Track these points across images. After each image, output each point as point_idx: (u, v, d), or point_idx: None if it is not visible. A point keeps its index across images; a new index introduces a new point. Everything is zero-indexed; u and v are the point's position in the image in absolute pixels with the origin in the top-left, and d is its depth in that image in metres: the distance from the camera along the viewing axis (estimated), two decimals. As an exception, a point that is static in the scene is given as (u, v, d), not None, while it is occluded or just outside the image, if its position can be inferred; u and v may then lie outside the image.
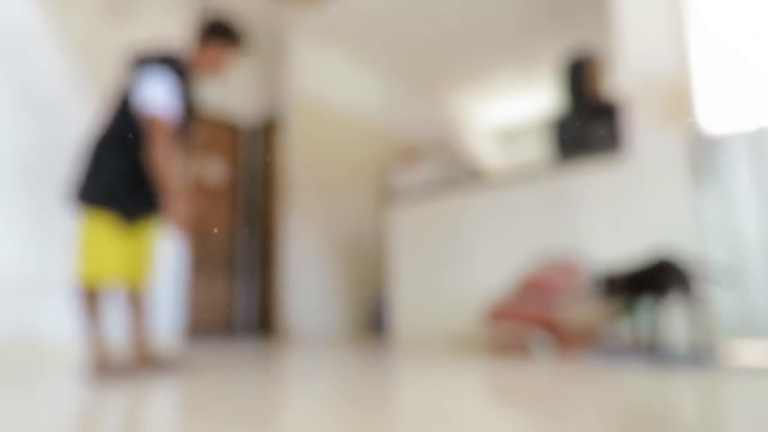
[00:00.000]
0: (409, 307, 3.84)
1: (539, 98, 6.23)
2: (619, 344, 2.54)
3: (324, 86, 4.99)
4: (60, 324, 3.07)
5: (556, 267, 2.90)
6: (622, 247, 2.88)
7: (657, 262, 2.43)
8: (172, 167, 2.17)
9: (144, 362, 2.36)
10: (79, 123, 2.95)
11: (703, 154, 2.75)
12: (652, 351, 2.32)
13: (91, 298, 2.19)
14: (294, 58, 4.78)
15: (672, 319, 2.36)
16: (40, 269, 3.04)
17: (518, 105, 6.75)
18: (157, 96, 2.17)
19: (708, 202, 2.72)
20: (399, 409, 1.56)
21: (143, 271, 2.41)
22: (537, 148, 6.18)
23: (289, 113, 4.72)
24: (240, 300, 5.09)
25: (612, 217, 2.94)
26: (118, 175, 2.20)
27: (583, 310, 2.60)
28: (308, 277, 4.58)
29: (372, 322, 4.97)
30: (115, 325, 2.40)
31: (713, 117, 2.81)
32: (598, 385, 1.80)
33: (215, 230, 5.01)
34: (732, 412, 1.42)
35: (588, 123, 3.31)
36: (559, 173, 3.19)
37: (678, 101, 2.81)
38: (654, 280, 2.39)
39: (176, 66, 2.28)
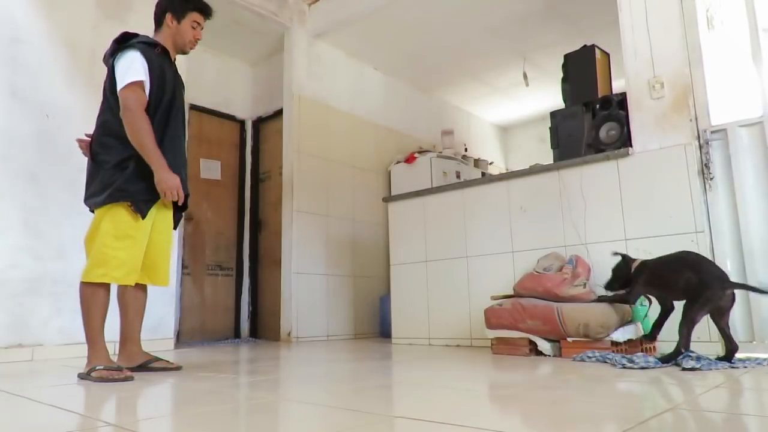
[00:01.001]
0: (409, 307, 3.83)
1: (543, 95, 6.23)
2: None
3: (324, 82, 4.99)
4: (57, 324, 3.07)
5: (559, 264, 2.89)
6: (624, 246, 2.87)
7: (683, 261, 2.27)
8: (148, 136, 2.16)
9: (141, 361, 2.35)
10: (77, 123, 2.95)
11: (709, 150, 2.73)
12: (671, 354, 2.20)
13: (93, 296, 2.18)
14: (295, 54, 4.76)
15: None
16: (36, 270, 3.03)
17: (522, 102, 6.74)
18: (123, 68, 2.21)
19: (714, 198, 2.71)
20: (398, 413, 1.55)
21: (160, 266, 2.40)
22: (541, 146, 6.17)
23: (289, 110, 4.71)
24: (240, 300, 5.09)
25: (617, 215, 2.93)
26: (117, 167, 2.19)
27: (586, 310, 2.58)
28: (308, 276, 4.57)
29: (374, 322, 4.96)
30: (114, 325, 2.40)
31: (719, 112, 2.79)
32: (598, 386, 1.79)
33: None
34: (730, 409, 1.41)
35: (593, 120, 3.29)
36: (563, 170, 3.17)
37: (684, 97, 2.80)
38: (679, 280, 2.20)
39: (149, 44, 2.30)
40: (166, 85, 2.29)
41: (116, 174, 2.18)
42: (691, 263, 2.23)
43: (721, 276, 2.16)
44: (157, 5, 2.45)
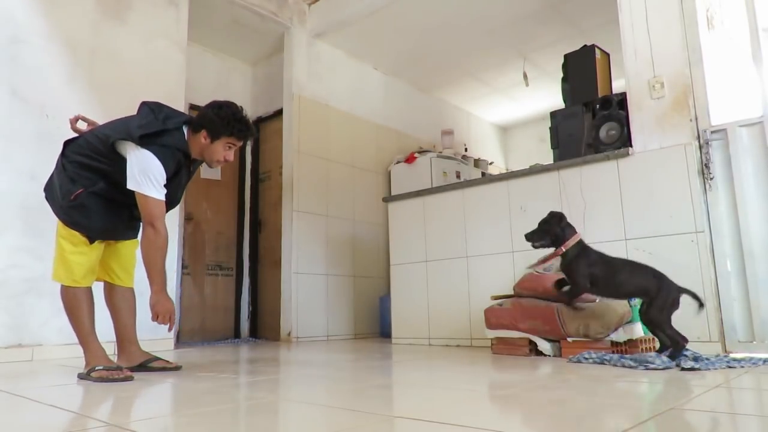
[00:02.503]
0: (409, 307, 3.83)
1: (543, 95, 6.23)
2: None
3: (324, 82, 4.98)
4: (57, 324, 3.07)
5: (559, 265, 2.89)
6: (624, 246, 2.87)
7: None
8: (163, 259, 2.14)
9: (140, 361, 2.35)
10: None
11: (709, 150, 2.73)
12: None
13: (73, 298, 2.18)
14: (295, 53, 4.76)
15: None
16: (36, 270, 3.03)
17: (522, 102, 6.74)
18: (143, 173, 2.09)
19: (714, 198, 2.71)
20: (398, 413, 1.55)
21: (123, 267, 2.41)
22: (541, 146, 6.17)
23: (289, 110, 4.71)
24: (240, 300, 5.08)
25: (617, 214, 2.93)
26: (73, 195, 2.14)
27: (586, 310, 2.58)
28: (308, 276, 4.57)
29: (374, 322, 4.96)
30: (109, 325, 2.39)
31: (719, 112, 2.79)
32: (598, 386, 1.79)
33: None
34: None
35: (593, 120, 3.29)
36: (563, 170, 3.17)
37: (684, 97, 2.80)
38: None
39: (171, 148, 2.17)
40: (170, 187, 2.20)
41: (70, 191, 2.13)
42: (643, 266, 2.36)
43: (672, 281, 2.29)
44: (199, 114, 2.28)
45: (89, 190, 2.14)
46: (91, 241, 2.20)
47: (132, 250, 2.44)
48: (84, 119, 2.37)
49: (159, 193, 2.12)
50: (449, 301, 3.57)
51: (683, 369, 2.04)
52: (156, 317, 2.11)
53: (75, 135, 2.32)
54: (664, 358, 2.12)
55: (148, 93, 3.19)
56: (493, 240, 3.41)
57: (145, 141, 2.09)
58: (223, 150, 2.27)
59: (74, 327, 2.19)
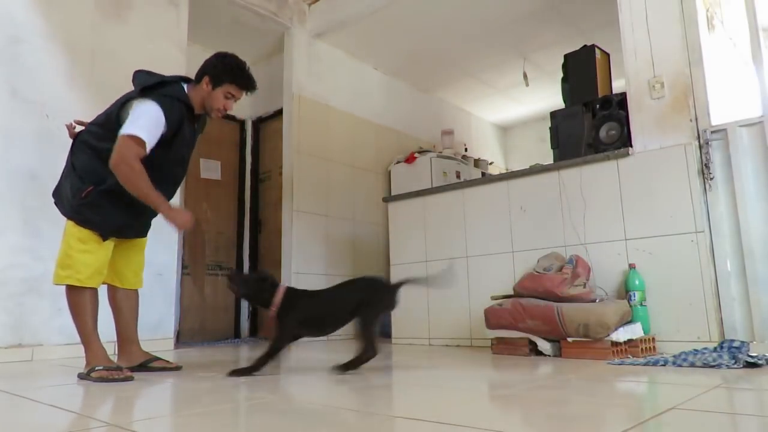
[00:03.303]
0: (409, 307, 3.83)
1: (543, 95, 6.23)
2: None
3: (324, 82, 4.98)
4: (57, 324, 3.06)
5: (559, 264, 2.89)
6: (624, 246, 2.87)
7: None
8: (145, 183, 2.09)
9: (140, 361, 2.35)
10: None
11: (709, 150, 2.73)
12: None
13: (79, 299, 2.18)
14: (295, 53, 4.76)
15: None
16: (36, 270, 3.03)
17: (522, 102, 6.74)
18: (135, 116, 2.10)
19: (714, 198, 2.71)
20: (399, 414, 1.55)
21: (133, 270, 2.41)
22: (541, 146, 6.17)
23: (289, 110, 4.70)
24: (240, 300, 5.08)
25: (617, 215, 2.93)
26: (82, 191, 2.16)
27: (586, 310, 2.58)
28: (308, 276, 4.56)
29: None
30: (108, 325, 2.39)
31: (719, 112, 2.79)
32: (598, 386, 1.79)
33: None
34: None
35: (593, 120, 3.29)
36: (563, 170, 3.17)
37: (684, 97, 2.80)
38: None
39: (174, 98, 2.20)
40: (174, 144, 2.21)
41: (80, 190, 2.14)
42: (352, 282, 2.47)
43: (385, 283, 2.39)
44: (204, 62, 2.36)
45: (100, 188, 2.14)
46: (104, 239, 2.19)
47: (142, 252, 2.45)
48: (80, 123, 2.37)
49: (143, 133, 2.08)
50: (449, 301, 3.56)
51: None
52: (181, 228, 2.17)
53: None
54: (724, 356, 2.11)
55: (148, 93, 3.18)
56: (493, 240, 3.41)
57: (146, 93, 2.13)
58: (224, 98, 2.31)
59: (77, 327, 2.19)
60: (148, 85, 2.16)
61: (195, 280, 4.76)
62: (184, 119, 2.24)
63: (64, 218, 2.23)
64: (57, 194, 2.28)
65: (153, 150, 2.12)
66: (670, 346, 2.62)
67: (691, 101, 2.77)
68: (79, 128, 2.36)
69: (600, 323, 2.49)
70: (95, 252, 2.18)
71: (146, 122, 2.09)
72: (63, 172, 2.27)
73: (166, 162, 2.23)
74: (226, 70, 2.30)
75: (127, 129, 2.08)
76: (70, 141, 2.33)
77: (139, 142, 2.07)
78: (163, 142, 2.16)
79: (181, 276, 4.51)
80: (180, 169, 2.34)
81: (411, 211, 3.92)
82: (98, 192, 2.14)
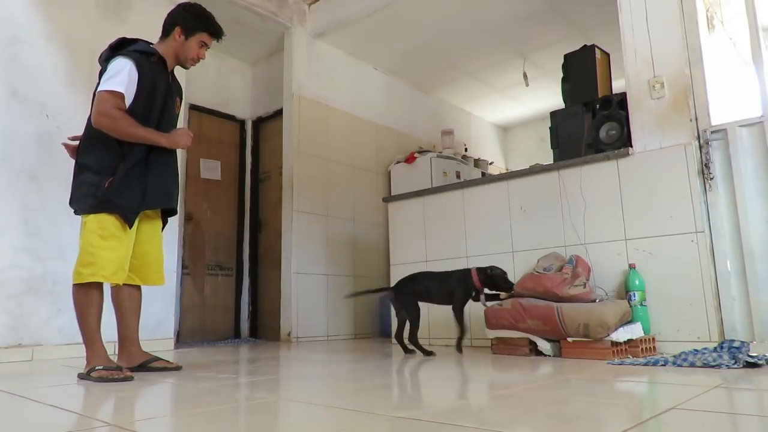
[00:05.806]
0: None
1: (543, 95, 6.23)
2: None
3: (324, 82, 4.98)
4: (57, 324, 3.07)
5: (559, 264, 2.89)
6: (624, 246, 2.87)
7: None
8: (131, 125, 2.16)
9: (140, 361, 2.35)
10: (77, 123, 2.95)
11: (709, 150, 2.73)
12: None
13: (85, 298, 2.17)
14: (295, 53, 4.76)
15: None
16: (36, 270, 3.03)
17: (522, 102, 6.74)
18: (108, 74, 2.19)
19: (714, 198, 2.71)
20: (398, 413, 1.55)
21: (154, 267, 2.41)
22: (541, 146, 6.17)
23: (289, 110, 4.70)
24: (240, 300, 5.08)
25: (617, 215, 2.93)
26: (99, 173, 2.18)
27: (586, 309, 2.58)
28: (308, 276, 4.56)
29: (374, 322, 4.96)
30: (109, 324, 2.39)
31: (719, 112, 2.79)
32: (598, 386, 1.79)
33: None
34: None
35: (593, 120, 3.29)
36: (563, 170, 3.17)
37: (684, 97, 2.80)
38: None
39: (145, 53, 2.27)
40: (156, 95, 2.26)
41: (100, 181, 2.16)
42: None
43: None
44: (169, 15, 2.41)
45: (118, 176, 2.17)
46: (131, 224, 2.20)
47: (160, 245, 2.45)
48: (75, 139, 2.39)
49: (118, 86, 2.16)
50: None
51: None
52: (185, 145, 2.30)
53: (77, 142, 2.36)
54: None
55: (148, 93, 3.18)
56: (493, 240, 3.41)
57: (114, 53, 2.25)
58: (198, 47, 2.40)
59: (81, 326, 2.18)
60: (114, 44, 2.28)
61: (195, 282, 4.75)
62: (158, 71, 2.30)
63: (79, 218, 2.23)
64: (73, 199, 2.26)
65: (138, 105, 2.20)
66: (670, 346, 2.63)
67: (691, 101, 2.78)
68: (75, 143, 2.37)
69: (600, 323, 2.49)
70: (116, 249, 2.18)
71: (120, 77, 2.18)
72: (74, 179, 2.26)
73: (162, 121, 2.30)
74: (198, 20, 2.38)
75: (101, 86, 2.18)
76: (70, 133, 2.38)
77: (115, 94, 2.16)
78: (145, 96, 2.23)
79: (181, 276, 4.51)
80: (167, 122, 2.35)
81: (411, 211, 3.92)
82: (119, 179, 2.17)
